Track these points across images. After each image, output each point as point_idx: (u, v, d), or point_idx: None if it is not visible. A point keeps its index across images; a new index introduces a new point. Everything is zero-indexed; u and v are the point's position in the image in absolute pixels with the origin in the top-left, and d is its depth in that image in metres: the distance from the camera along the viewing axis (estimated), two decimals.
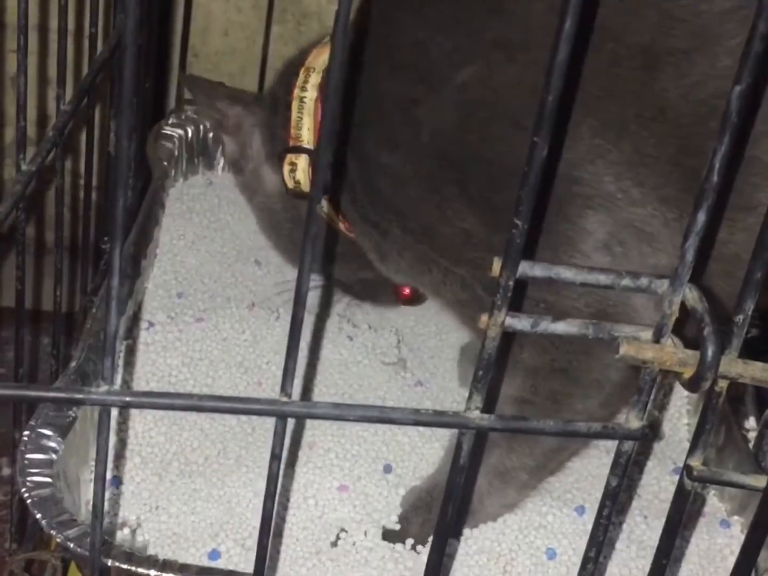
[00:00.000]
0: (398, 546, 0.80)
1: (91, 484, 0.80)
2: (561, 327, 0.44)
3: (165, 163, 1.14)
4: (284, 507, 0.82)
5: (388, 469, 0.87)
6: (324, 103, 0.87)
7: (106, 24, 1.10)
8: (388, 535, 0.81)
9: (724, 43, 0.71)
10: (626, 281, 0.45)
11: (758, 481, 0.47)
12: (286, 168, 0.89)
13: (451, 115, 0.77)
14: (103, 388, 0.44)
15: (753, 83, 0.39)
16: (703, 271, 0.75)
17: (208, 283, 1.05)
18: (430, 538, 0.79)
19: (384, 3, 0.83)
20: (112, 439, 0.85)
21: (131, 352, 0.94)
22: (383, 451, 0.88)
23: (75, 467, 0.79)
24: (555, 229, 0.73)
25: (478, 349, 1.01)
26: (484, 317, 0.43)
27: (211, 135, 1.19)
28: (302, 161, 0.88)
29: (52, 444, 0.76)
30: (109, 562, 0.68)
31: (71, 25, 1.06)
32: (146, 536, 0.79)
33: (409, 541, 0.80)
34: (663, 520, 0.50)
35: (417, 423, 0.46)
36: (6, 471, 1.22)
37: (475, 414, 0.45)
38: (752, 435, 0.91)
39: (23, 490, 0.73)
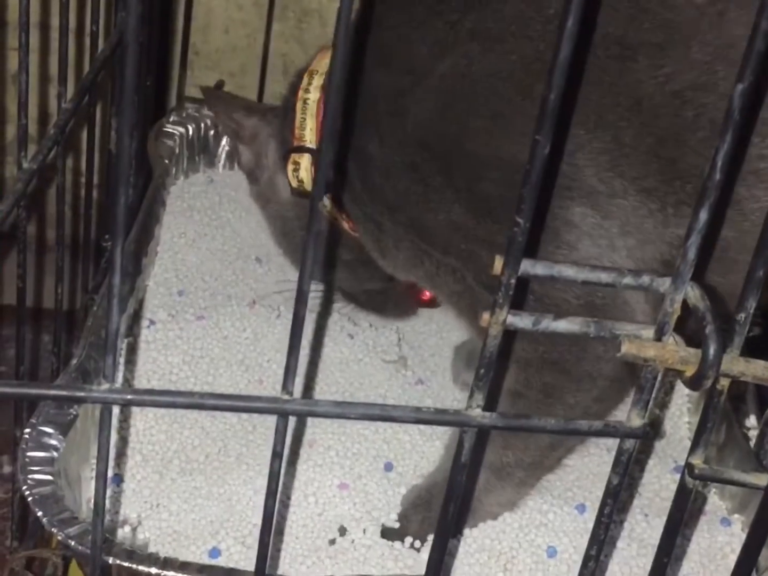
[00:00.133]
0: (397, 544, 0.80)
1: (92, 482, 0.80)
2: (562, 325, 0.44)
3: (166, 161, 1.14)
4: (285, 505, 0.82)
5: (388, 467, 0.87)
6: (324, 102, 0.88)
7: (108, 22, 1.10)
8: (388, 533, 0.81)
9: (698, 36, 0.71)
10: (628, 279, 0.45)
11: (759, 479, 0.47)
12: (290, 167, 0.90)
13: (432, 105, 0.78)
14: (105, 386, 0.44)
15: (755, 81, 0.39)
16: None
17: (209, 281, 1.06)
18: (430, 536, 0.79)
19: (373, 1, 0.83)
20: (113, 436, 0.85)
21: (132, 350, 0.94)
22: (384, 449, 0.88)
23: (76, 465, 0.79)
24: (539, 220, 0.74)
25: (471, 349, 1.02)
26: (486, 315, 0.43)
27: (211, 133, 1.19)
28: (305, 160, 0.89)
29: (53, 442, 0.76)
30: (110, 560, 0.68)
31: (72, 22, 1.06)
32: (147, 534, 0.79)
33: (408, 539, 0.80)
34: (664, 518, 0.50)
35: (418, 421, 0.46)
36: (7, 469, 1.22)
37: (477, 412, 0.45)
38: (753, 433, 0.91)
39: (24, 487, 0.73)
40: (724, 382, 0.45)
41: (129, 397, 0.45)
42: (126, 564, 0.69)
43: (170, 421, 0.88)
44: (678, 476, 0.49)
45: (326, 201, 0.89)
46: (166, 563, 0.69)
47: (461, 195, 0.77)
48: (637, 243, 0.75)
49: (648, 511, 0.85)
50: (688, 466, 0.47)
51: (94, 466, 0.80)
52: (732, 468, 0.76)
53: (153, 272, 1.05)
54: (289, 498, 0.82)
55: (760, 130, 0.71)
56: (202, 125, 1.19)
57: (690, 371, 0.43)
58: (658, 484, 0.89)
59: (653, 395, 0.76)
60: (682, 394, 0.98)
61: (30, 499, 0.72)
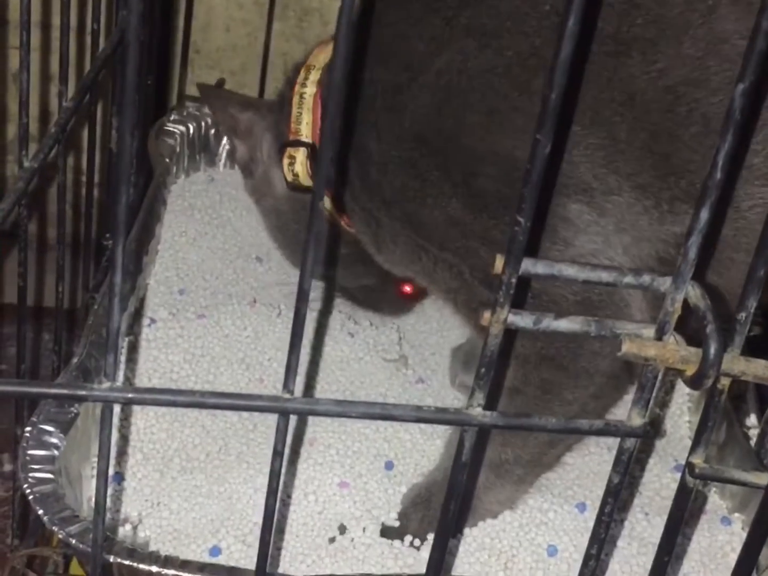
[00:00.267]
0: (397, 542, 0.80)
1: (93, 481, 0.80)
2: (563, 324, 0.44)
3: (167, 160, 1.14)
4: (285, 503, 0.82)
5: (389, 465, 0.87)
6: (325, 99, 0.88)
7: (109, 21, 1.10)
8: (387, 532, 0.81)
9: (689, 31, 0.71)
10: (629, 279, 0.45)
11: (759, 478, 0.47)
12: (285, 161, 0.91)
13: (429, 101, 0.78)
14: (106, 384, 0.44)
15: (756, 81, 0.39)
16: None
17: (210, 279, 1.06)
18: (430, 535, 0.79)
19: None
20: (114, 435, 0.85)
21: (133, 348, 0.94)
22: (384, 448, 0.88)
23: (77, 463, 0.79)
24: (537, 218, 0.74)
25: (467, 350, 1.02)
26: (487, 314, 0.43)
27: (212, 132, 1.19)
28: (300, 154, 0.90)
29: (54, 440, 0.76)
30: (111, 559, 0.68)
31: (74, 21, 1.06)
32: (148, 532, 0.79)
33: (408, 538, 0.80)
34: (664, 517, 0.50)
35: (419, 420, 0.46)
36: (8, 467, 1.22)
37: (477, 411, 0.45)
38: (753, 432, 0.91)
39: (25, 486, 0.73)
40: (725, 382, 0.45)
41: (130, 395, 0.45)
42: (127, 562, 0.69)
43: (171, 419, 0.88)
44: (678, 475, 0.49)
45: (325, 198, 0.89)
46: (167, 561, 0.69)
47: (458, 190, 0.77)
48: (632, 240, 0.75)
49: (648, 510, 0.85)
50: (689, 465, 0.47)
51: (95, 465, 0.80)
52: (732, 467, 0.76)
53: (154, 271, 1.05)
54: (289, 496, 0.82)
55: (753, 126, 0.71)
56: (203, 124, 1.19)
57: (691, 370, 0.43)
58: (658, 483, 0.89)
59: (654, 394, 0.76)
60: (682, 393, 0.98)
61: (31, 497, 0.72)
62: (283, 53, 1.35)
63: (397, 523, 0.81)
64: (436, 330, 1.05)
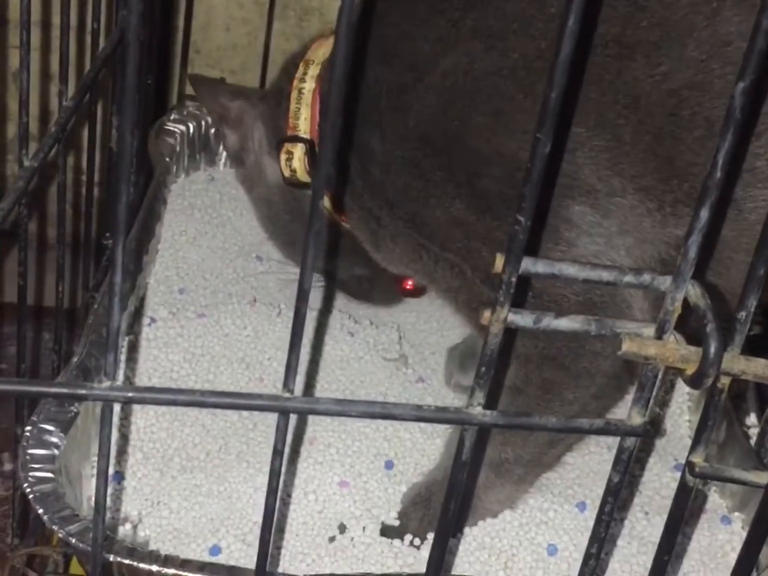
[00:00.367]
0: (396, 542, 0.80)
1: (93, 480, 0.80)
2: (564, 323, 0.44)
3: (167, 159, 1.14)
4: (285, 502, 0.82)
5: (389, 465, 0.87)
6: (324, 96, 0.88)
7: (109, 20, 1.10)
8: (387, 531, 0.81)
9: (693, 34, 0.71)
10: (629, 278, 0.45)
11: (759, 477, 0.47)
12: (283, 157, 0.91)
13: (434, 102, 0.78)
14: (106, 383, 0.44)
15: (756, 80, 0.39)
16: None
17: (210, 278, 1.06)
18: (429, 534, 0.79)
19: None
20: (114, 434, 0.85)
21: (133, 347, 0.94)
22: (384, 447, 0.88)
23: (77, 463, 0.79)
24: (539, 218, 0.74)
25: (463, 350, 1.02)
26: (487, 313, 0.43)
27: (212, 131, 1.19)
28: (298, 150, 0.90)
29: (54, 439, 0.76)
30: (111, 558, 0.68)
31: (74, 21, 1.06)
32: (148, 531, 0.79)
33: (408, 537, 0.80)
34: (664, 516, 0.50)
35: (419, 419, 0.46)
36: (8, 466, 1.22)
37: (477, 410, 0.45)
38: (753, 431, 0.91)
39: (25, 485, 0.73)
40: (725, 381, 0.45)
41: (130, 394, 0.45)
42: (127, 561, 0.69)
43: (171, 418, 0.88)
44: (678, 474, 0.49)
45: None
46: (167, 561, 0.69)
47: (462, 191, 0.77)
48: (635, 241, 0.76)
49: (648, 509, 0.85)
50: (689, 464, 0.47)
51: (95, 464, 0.80)
52: (732, 466, 0.77)
53: (154, 270, 1.05)
54: (289, 496, 0.82)
55: (756, 128, 0.71)
56: (203, 123, 1.19)
57: (691, 369, 0.43)
58: (658, 482, 0.89)
59: (654, 393, 0.76)
60: (682, 393, 0.98)
61: (31, 496, 0.72)
62: (284, 52, 1.34)
63: (397, 523, 0.81)
64: (436, 329, 1.05)
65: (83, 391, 0.44)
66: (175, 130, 1.17)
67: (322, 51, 0.91)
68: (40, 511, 0.71)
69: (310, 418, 0.89)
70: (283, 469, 0.80)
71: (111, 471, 0.82)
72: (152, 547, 0.78)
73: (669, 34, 0.72)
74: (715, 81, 0.71)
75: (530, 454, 0.81)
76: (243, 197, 1.09)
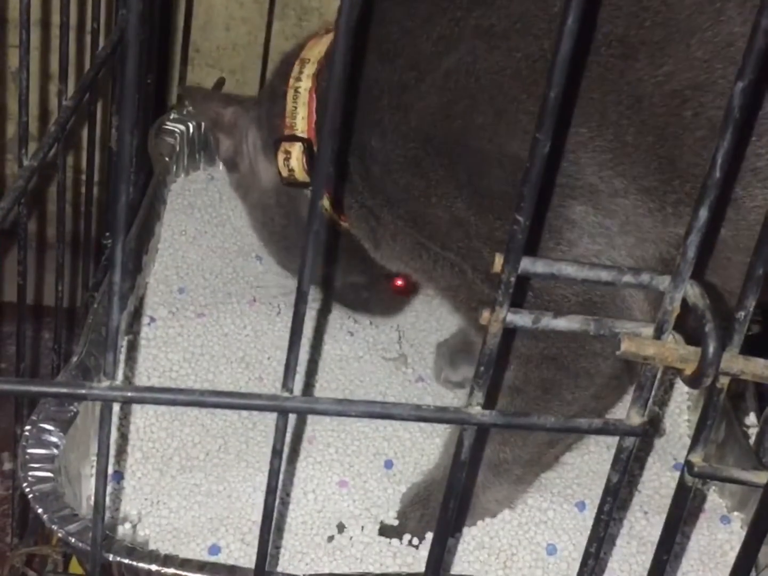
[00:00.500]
0: (395, 541, 0.80)
1: (92, 479, 0.80)
2: (562, 323, 0.44)
3: (166, 159, 1.14)
4: (284, 502, 0.82)
5: (388, 464, 0.87)
6: (323, 95, 0.88)
7: (108, 19, 1.10)
8: (386, 531, 0.81)
9: (697, 35, 0.71)
10: (628, 278, 0.45)
11: (759, 477, 0.47)
12: (281, 156, 0.90)
13: (437, 101, 0.78)
14: (105, 383, 0.44)
15: (756, 80, 0.39)
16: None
17: (210, 278, 1.06)
18: (428, 534, 0.79)
19: None
20: (114, 434, 0.85)
21: (133, 347, 0.94)
22: (384, 446, 0.88)
23: (76, 462, 0.79)
24: (539, 218, 0.74)
25: (453, 344, 1.01)
26: (486, 313, 0.43)
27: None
28: (296, 149, 0.89)
29: (54, 439, 0.76)
30: (110, 557, 0.69)
31: (73, 20, 1.06)
32: (147, 531, 0.79)
33: (407, 537, 0.80)
34: (663, 516, 0.50)
35: (419, 419, 0.46)
36: (7, 466, 1.22)
37: (477, 410, 0.45)
38: (753, 431, 0.91)
39: (25, 485, 0.73)
40: (724, 381, 0.45)
41: (129, 394, 0.45)
42: (126, 561, 0.69)
43: (170, 418, 0.88)
44: (677, 474, 0.49)
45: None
46: (167, 560, 0.69)
47: (463, 190, 0.77)
48: (636, 242, 0.76)
49: (648, 509, 0.85)
50: (688, 464, 0.47)
51: (95, 464, 0.80)
52: (731, 466, 0.77)
53: (153, 270, 1.05)
54: (288, 495, 0.83)
55: (757, 128, 0.71)
56: (203, 123, 1.19)
57: (690, 369, 0.43)
58: (657, 482, 0.89)
59: (653, 393, 0.76)
60: (681, 392, 0.98)
61: (30, 496, 0.72)
62: (283, 52, 1.34)
63: (395, 522, 0.81)
64: (435, 329, 1.05)
65: (83, 391, 0.44)
66: (175, 129, 1.17)
67: (317, 49, 0.91)
68: (40, 510, 0.71)
69: (310, 418, 0.89)
70: (282, 469, 0.80)
71: (110, 470, 0.82)
72: (152, 546, 0.78)
73: (672, 34, 0.72)
74: (719, 81, 0.71)
75: (529, 453, 0.81)
76: None
